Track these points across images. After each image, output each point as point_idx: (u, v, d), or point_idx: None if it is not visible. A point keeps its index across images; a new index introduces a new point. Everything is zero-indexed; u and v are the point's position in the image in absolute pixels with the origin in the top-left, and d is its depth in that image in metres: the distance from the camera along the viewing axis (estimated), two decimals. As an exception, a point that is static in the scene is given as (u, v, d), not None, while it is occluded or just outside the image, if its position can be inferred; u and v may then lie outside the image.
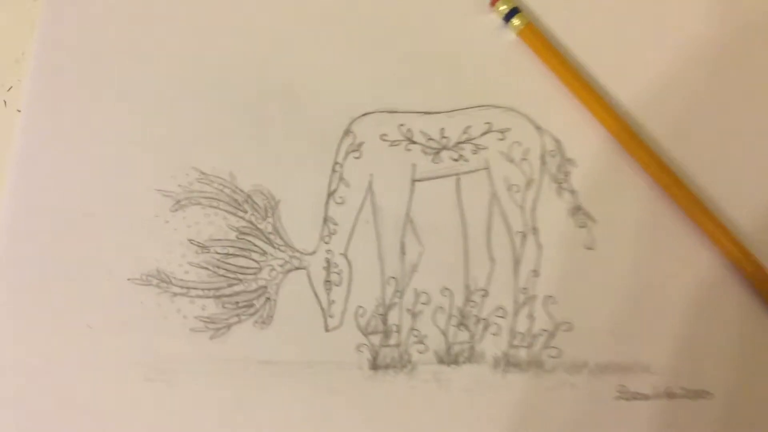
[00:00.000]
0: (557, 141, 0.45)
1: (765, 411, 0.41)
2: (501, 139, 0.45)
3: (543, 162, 0.45)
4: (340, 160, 0.44)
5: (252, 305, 0.43)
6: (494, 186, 0.44)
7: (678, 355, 0.42)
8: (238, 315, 0.43)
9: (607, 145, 0.45)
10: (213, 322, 0.43)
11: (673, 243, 0.43)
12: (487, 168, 0.44)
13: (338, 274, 0.44)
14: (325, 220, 0.44)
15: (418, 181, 0.44)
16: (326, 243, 0.44)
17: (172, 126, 0.45)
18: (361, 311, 0.43)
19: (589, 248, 0.44)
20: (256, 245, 0.44)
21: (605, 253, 0.44)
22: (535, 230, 0.44)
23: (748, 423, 0.41)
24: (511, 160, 0.45)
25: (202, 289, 0.43)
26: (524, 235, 0.44)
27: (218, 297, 0.43)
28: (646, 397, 0.41)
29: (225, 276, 0.43)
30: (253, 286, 0.43)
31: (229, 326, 0.43)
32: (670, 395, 0.41)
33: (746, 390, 0.41)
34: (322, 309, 0.43)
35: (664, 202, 0.44)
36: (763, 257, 0.43)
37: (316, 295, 0.44)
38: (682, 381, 0.41)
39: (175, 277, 0.43)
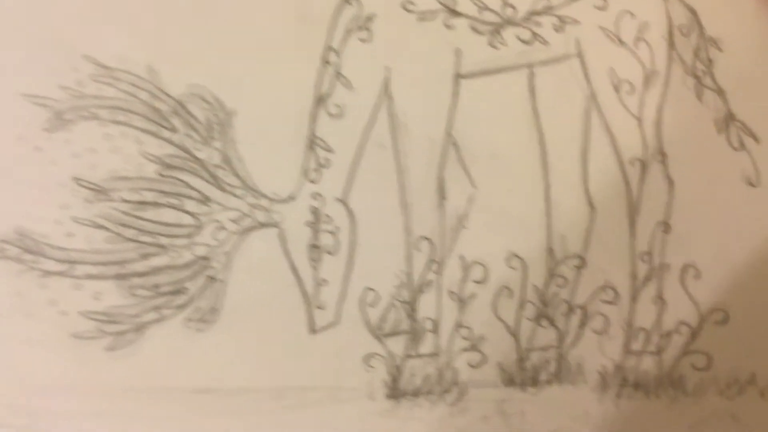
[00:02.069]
0: (692, 11, 0.39)
1: None
2: (601, 8, 0.39)
3: (671, 44, 0.39)
4: (335, 44, 0.38)
5: (183, 290, 0.37)
6: (591, 84, 0.39)
7: None
8: (157, 308, 0.37)
9: (771, 18, 0.39)
10: (114, 322, 0.36)
11: None
12: (578, 55, 0.39)
13: (333, 233, 0.38)
14: (312, 143, 0.38)
15: (465, 77, 0.38)
16: (313, 182, 0.38)
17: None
18: (371, 297, 0.38)
19: (751, 184, 0.39)
20: (192, 187, 0.38)
21: (778, 191, 0.39)
22: (662, 156, 0.39)
23: None
24: (620, 42, 0.39)
25: (95, 264, 0.37)
26: (644, 165, 0.39)
27: (123, 277, 0.37)
28: None
29: (136, 241, 0.37)
30: (186, 257, 0.37)
31: (141, 328, 0.37)
32: None
33: None
34: (305, 294, 0.38)
35: None
36: None
37: (294, 270, 0.38)
38: None
39: (49, 244, 0.37)
